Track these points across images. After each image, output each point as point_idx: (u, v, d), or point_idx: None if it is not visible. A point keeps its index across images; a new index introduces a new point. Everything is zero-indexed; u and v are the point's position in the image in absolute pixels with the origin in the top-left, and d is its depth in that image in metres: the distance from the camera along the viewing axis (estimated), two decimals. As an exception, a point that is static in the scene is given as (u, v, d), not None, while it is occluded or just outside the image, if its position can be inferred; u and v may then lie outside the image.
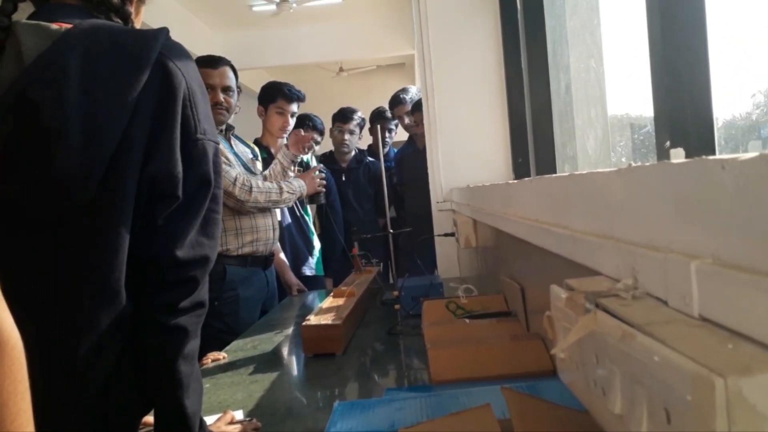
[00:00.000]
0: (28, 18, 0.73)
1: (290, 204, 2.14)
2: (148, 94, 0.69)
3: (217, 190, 0.78)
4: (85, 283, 0.67)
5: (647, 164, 0.47)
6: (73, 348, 0.67)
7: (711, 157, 0.36)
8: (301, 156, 2.27)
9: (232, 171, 1.88)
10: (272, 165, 2.23)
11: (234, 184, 1.86)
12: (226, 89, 1.95)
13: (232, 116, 2.03)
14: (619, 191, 0.52)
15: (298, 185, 2.09)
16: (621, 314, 0.41)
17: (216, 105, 1.92)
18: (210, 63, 1.94)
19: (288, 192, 2.03)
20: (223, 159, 1.79)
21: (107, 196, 0.67)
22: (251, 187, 1.89)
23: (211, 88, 1.92)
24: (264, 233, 1.99)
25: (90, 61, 0.68)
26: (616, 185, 0.52)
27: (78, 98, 0.66)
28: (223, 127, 1.98)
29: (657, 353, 0.34)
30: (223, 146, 1.90)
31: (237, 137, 2.12)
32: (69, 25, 0.71)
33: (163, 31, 0.75)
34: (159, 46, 0.72)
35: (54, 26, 0.70)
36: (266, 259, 2.03)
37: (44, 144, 0.65)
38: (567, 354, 0.51)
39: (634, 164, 0.49)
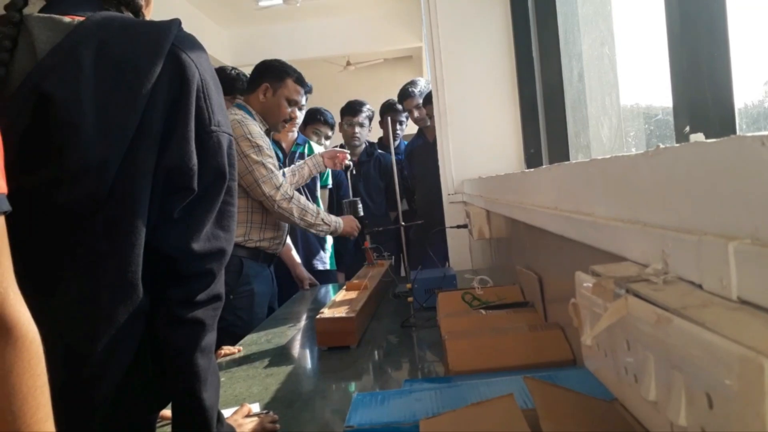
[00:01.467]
0: (40, 11, 0.73)
1: (321, 234, 2.07)
2: (162, 86, 0.69)
3: (231, 182, 0.77)
4: (102, 276, 0.67)
5: (677, 145, 0.45)
6: (90, 341, 0.66)
7: (749, 134, 0.35)
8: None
9: (280, 176, 1.89)
10: (299, 164, 2.24)
11: (278, 189, 1.85)
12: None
13: None
14: (646, 174, 0.51)
15: (335, 221, 2.04)
16: (654, 299, 0.39)
17: (290, 120, 1.95)
18: (303, 81, 1.96)
19: (324, 222, 1.98)
20: (270, 160, 1.84)
21: (122, 189, 0.67)
22: (291, 197, 1.88)
23: (295, 104, 1.94)
24: (283, 232, 2.02)
25: (103, 54, 0.67)
26: (644, 168, 0.51)
27: (92, 91, 0.65)
28: (266, 126, 1.98)
29: (697, 337, 0.32)
30: (268, 144, 1.92)
31: None
32: (81, 18, 0.70)
33: (176, 23, 0.74)
34: (172, 38, 0.71)
35: (66, 19, 0.69)
36: (273, 256, 2.04)
37: (59, 138, 0.65)
38: (594, 341, 0.49)
39: (662, 146, 0.47)
